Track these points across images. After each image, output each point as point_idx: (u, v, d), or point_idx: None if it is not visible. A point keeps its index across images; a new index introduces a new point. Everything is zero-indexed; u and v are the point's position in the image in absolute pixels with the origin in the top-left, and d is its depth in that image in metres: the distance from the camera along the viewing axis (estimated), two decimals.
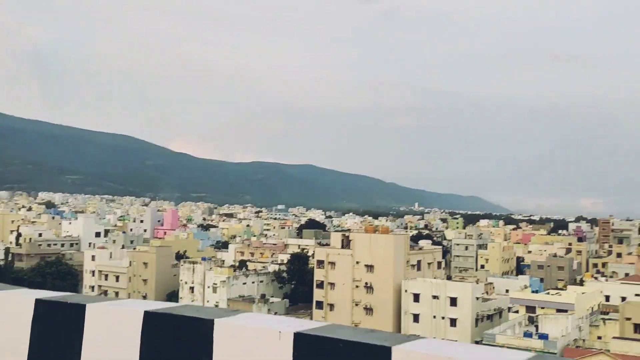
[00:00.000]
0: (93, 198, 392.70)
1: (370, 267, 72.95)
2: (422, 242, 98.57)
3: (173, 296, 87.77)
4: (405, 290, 70.14)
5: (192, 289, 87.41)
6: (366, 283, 73.08)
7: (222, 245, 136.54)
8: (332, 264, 75.83)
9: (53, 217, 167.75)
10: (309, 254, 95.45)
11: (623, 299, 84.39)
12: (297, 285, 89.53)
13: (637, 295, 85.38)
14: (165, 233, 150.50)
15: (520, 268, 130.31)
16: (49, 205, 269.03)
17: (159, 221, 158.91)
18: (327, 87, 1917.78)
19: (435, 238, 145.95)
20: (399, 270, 72.24)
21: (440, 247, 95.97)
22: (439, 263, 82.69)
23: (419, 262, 76.32)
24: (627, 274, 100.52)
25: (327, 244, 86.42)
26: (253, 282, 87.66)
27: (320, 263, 76.80)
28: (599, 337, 58.25)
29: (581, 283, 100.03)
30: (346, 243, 78.54)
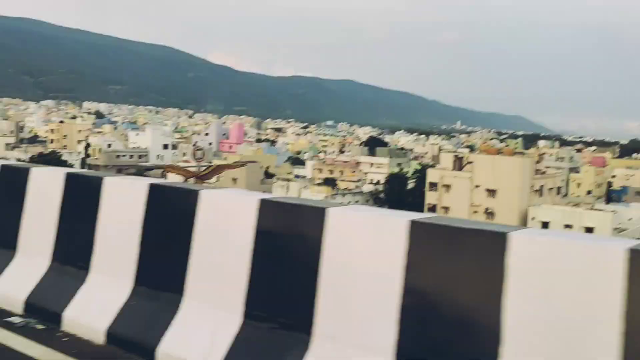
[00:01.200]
0: (137, 109, 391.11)
1: (492, 192, 66.99)
2: None
3: None
4: (533, 218, 64.32)
5: None
6: (486, 209, 67.35)
7: (294, 162, 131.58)
8: (447, 186, 70.01)
9: (115, 128, 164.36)
10: (408, 175, 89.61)
11: None
12: (394, 207, 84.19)
13: None
14: (230, 147, 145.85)
15: (609, 194, 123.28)
16: (99, 115, 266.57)
17: (223, 134, 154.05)
18: (368, 3, 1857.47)
19: None
20: (524, 196, 66.17)
21: (562, 170, 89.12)
22: (558, 189, 76.38)
23: (541, 187, 70.06)
24: None
25: (433, 166, 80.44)
26: (349, 202, 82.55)
27: (433, 185, 71.07)
28: None
29: None
30: (458, 165, 72.55)
